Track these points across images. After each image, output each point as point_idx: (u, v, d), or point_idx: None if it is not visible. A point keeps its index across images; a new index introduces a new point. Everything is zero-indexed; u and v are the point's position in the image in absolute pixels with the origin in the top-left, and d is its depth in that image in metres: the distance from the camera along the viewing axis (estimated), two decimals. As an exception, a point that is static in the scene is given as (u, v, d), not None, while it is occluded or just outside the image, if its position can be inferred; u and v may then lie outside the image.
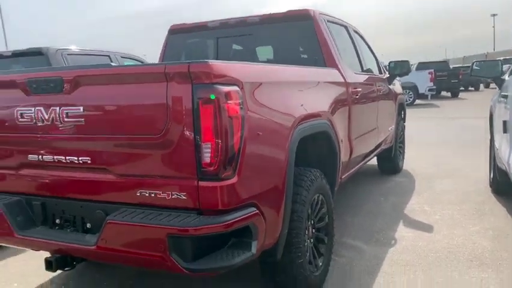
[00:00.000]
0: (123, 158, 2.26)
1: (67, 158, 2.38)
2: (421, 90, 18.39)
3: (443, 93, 22.69)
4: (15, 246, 2.87)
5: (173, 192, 2.15)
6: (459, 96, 21.96)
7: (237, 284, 3.17)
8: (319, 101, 3.14)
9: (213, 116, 2.01)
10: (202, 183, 2.09)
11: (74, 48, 5.62)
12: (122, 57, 6.25)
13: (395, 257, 3.57)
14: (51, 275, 3.51)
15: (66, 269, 2.54)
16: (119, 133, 2.21)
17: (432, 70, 18.71)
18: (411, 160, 6.92)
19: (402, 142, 6.62)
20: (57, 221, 2.53)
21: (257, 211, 2.24)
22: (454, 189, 5.41)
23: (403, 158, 6.63)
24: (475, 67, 4.84)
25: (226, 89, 2.05)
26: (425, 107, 17.45)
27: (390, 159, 6.07)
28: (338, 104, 3.49)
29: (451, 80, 21.19)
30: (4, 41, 34.54)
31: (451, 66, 22.57)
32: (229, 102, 2.05)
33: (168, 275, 3.27)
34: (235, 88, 2.11)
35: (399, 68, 5.59)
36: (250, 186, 2.23)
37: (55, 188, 2.49)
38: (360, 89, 4.15)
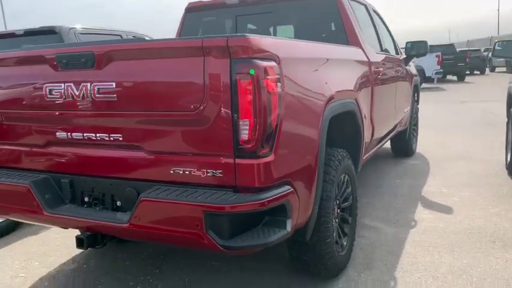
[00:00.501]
0: (156, 135, 2.22)
1: (98, 135, 2.35)
2: (428, 74, 18.24)
3: (449, 77, 22.54)
4: (44, 224, 2.85)
5: (208, 170, 2.12)
6: (465, 80, 21.80)
7: (262, 263, 3.16)
8: (347, 80, 3.09)
9: (252, 92, 1.97)
10: (239, 161, 2.06)
11: (86, 27, 5.53)
12: (133, 37, 6.16)
13: (416, 238, 3.56)
14: (71, 254, 3.52)
15: (97, 246, 2.52)
16: (152, 109, 2.17)
17: (440, 53, 18.53)
18: (424, 143, 6.89)
19: (416, 125, 6.57)
20: (86, 199, 2.51)
21: (292, 189, 2.21)
22: (469, 171, 5.39)
23: (416, 140, 6.60)
24: (497, 47, 4.77)
25: (265, 64, 2.00)
26: (432, 90, 17.33)
27: (404, 142, 6.04)
28: (362, 83, 3.45)
29: (457, 63, 21.02)
30: (3, 22, 34.21)
31: (457, 50, 22.33)
32: (268, 77, 2.00)
33: (191, 255, 3.27)
34: (273, 63, 2.07)
35: (416, 49, 5.51)
36: (286, 164, 2.20)
37: (84, 165, 2.46)
38: (381, 69, 4.09)
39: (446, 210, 4.17)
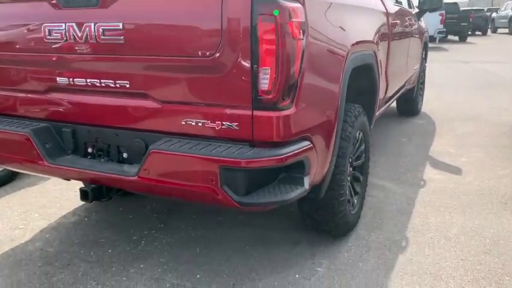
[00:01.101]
0: (167, 82, 2.05)
1: (102, 81, 2.17)
2: (430, 33, 17.75)
3: (450, 37, 22.09)
4: (44, 175, 2.72)
5: (223, 122, 1.97)
6: (467, 41, 21.39)
7: (269, 220, 3.08)
8: (367, 30, 2.90)
9: (275, 36, 1.79)
10: (257, 113, 1.91)
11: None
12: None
13: (426, 198, 3.49)
14: (71, 206, 3.42)
15: (102, 200, 2.41)
16: (163, 54, 1.99)
17: (443, 12, 18.03)
18: (429, 102, 6.75)
19: (423, 83, 6.41)
20: (90, 149, 2.36)
21: (311, 145, 2.08)
22: (477, 132, 5.28)
23: (422, 99, 6.45)
24: None
25: (290, 5, 1.82)
26: (434, 50, 16.98)
27: (411, 100, 5.89)
28: (381, 35, 3.25)
29: (460, 23, 20.54)
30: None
31: (461, 9, 21.76)
32: (293, 21, 1.81)
33: (196, 210, 3.17)
34: (299, 5, 1.87)
35: (429, 3, 5.26)
36: (306, 118, 2.06)
37: (87, 114, 2.30)
38: (398, 22, 3.88)
39: (455, 170, 4.09)
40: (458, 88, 8.25)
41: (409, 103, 5.94)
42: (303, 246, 2.79)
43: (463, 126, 5.58)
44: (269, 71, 1.84)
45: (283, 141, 1.95)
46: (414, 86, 5.69)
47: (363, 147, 2.99)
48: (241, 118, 1.94)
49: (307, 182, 2.08)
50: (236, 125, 1.96)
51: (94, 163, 2.30)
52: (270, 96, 1.87)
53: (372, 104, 3.19)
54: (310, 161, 2.09)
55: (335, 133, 2.33)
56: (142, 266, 2.62)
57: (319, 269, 2.56)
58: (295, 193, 2.00)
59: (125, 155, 2.28)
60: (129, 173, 2.14)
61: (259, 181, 2.00)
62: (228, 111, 1.96)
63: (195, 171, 1.96)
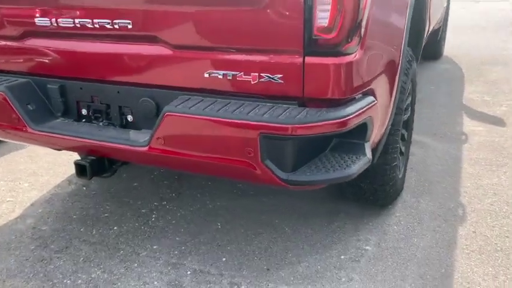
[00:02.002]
0: (183, 19, 1.52)
1: (95, 21, 1.64)
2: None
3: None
4: (30, 144, 2.23)
5: (261, 74, 1.48)
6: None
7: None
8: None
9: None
10: (310, 60, 1.41)
11: None
12: None
13: (472, 155, 3.05)
14: (66, 173, 2.95)
15: (104, 175, 1.93)
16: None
17: None
18: (450, 45, 6.18)
19: (446, 24, 5.82)
20: (84, 111, 1.87)
21: (375, 101, 1.59)
22: (510, 77, 4.78)
23: (445, 42, 5.88)
24: None
25: None
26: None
27: (434, 43, 5.32)
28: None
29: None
30: None
31: None
32: None
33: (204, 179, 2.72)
34: None
35: None
36: (371, 65, 1.56)
37: (78, 66, 1.78)
38: None
39: (497, 121, 3.63)
40: (477, 29, 7.63)
41: (432, 45, 5.37)
42: (343, 219, 2.37)
43: (493, 70, 5.07)
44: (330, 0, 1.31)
45: (344, 98, 1.46)
46: (440, 27, 5.12)
47: (409, 99, 2.51)
48: (288, 68, 1.44)
49: (368, 150, 1.62)
50: (280, 78, 1.46)
51: (91, 129, 1.81)
52: (331, 36, 1.36)
53: (419, 46, 2.67)
54: (374, 121, 1.61)
55: (396, 83, 1.84)
56: (155, 247, 2.20)
57: (367, 247, 2.15)
58: (358, 165, 1.54)
59: (130, 117, 1.79)
60: (137, 142, 1.66)
61: (309, 152, 1.53)
62: (269, 58, 1.45)
63: (225, 142, 1.49)
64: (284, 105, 1.47)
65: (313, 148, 1.55)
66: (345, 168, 1.50)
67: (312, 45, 1.39)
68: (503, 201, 2.48)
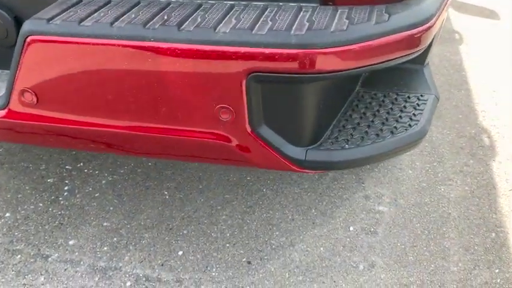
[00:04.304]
0: None
1: None
2: None
3: None
4: None
5: None
6: None
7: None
8: None
9: None
10: None
11: None
12: None
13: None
14: None
15: None
16: None
17: None
18: None
19: None
20: None
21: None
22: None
23: None
24: None
25: None
26: None
27: None
28: None
29: None
30: None
31: None
32: None
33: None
34: None
35: None
36: None
37: None
38: None
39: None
40: None
41: None
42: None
43: None
44: None
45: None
46: None
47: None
48: None
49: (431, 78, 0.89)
50: None
51: None
52: None
53: None
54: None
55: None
56: (71, 242, 1.46)
57: (381, 208, 1.53)
58: (427, 111, 0.83)
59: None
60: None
61: (335, 103, 0.79)
62: None
63: (163, 93, 0.69)
64: (289, 3, 0.67)
65: (340, 96, 0.79)
66: (409, 123, 0.77)
67: None
68: (534, 121, 1.91)
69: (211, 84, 0.69)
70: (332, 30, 0.64)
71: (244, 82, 0.66)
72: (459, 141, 1.82)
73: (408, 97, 0.87)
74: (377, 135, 0.78)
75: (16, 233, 1.48)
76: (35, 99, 0.77)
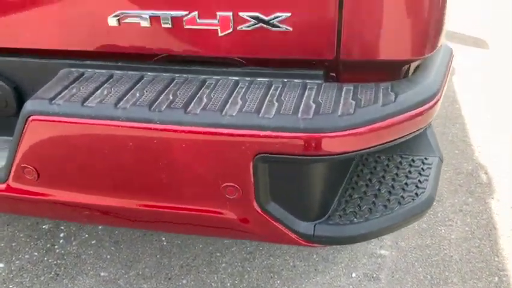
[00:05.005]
0: None
1: None
2: None
3: None
4: None
5: (243, 13, 0.65)
6: None
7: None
8: None
9: None
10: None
11: None
12: None
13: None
14: None
15: None
16: None
17: None
18: None
19: None
20: None
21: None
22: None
23: None
24: None
25: None
26: None
27: None
28: None
29: None
30: None
31: None
32: None
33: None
34: None
35: None
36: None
37: None
38: None
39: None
40: None
41: None
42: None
43: None
44: None
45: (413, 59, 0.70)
46: None
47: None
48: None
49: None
50: (287, 20, 0.64)
51: None
52: None
53: None
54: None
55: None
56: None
57: (383, 252, 1.51)
58: (433, 175, 0.83)
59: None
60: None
61: (340, 175, 0.78)
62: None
63: (169, 172, 0.69)
64: (293, 80, 0.67)
65: (345, 165, 0.79)
66: (416, 192, 0.76)
67: None
68: (529, 156, 1.92)
69: (218, 164, 0.68)
70: (339, 114, 0.64)
71: (251, 163, 0.66)
72: (457, 179, 1.82)
73: (413, 160, 0.88)
74: (385, 206, 0.77)
75: (11, 286, 1.44)
76: (35, 175, 0.76)
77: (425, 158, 0.88)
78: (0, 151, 0.86)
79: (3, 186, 0.79)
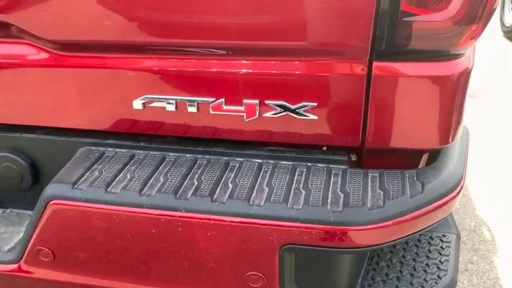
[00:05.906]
0: None
1: None
2: None
3: None
4: None
5: (271, 102, 0.68)
6: None
7: None
8: None
9: None
10: (380, 64, 0.62)
11: None
12: None
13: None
14: None
15: None
16: None
17: None
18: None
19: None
20: None
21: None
22: None
23: None
24: None
25: None
26: None
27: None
28: None
29: None
30: None
31: None
32: None
33: None
34: None
35: None
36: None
37: None
38: None
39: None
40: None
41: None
42: None
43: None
44: None
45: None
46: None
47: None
48: (330, 85, 0.65)
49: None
50: (312, 110, 0.66)
51: None
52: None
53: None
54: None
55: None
56: None
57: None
58: (453, 256, 0.82)
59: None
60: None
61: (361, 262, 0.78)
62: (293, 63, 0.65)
63: (193, 262, 0.68)
64: (317, 164, 0.67)
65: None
66: (438, 274, 0.75)
67: (387, 46, 0.59)
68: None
69: (243, 253, 0.67)
70: (369, 207, 0.64)
71: (278, 252, 0.65)
72: (461, 235, 1.81)
73: (431, 237, 0.87)
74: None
75: None
76: (52, 258, 0.74)
77: (443, 235, 0.88)
78: (12, 225, 0.84)
79: (15, 266, 0.77)
